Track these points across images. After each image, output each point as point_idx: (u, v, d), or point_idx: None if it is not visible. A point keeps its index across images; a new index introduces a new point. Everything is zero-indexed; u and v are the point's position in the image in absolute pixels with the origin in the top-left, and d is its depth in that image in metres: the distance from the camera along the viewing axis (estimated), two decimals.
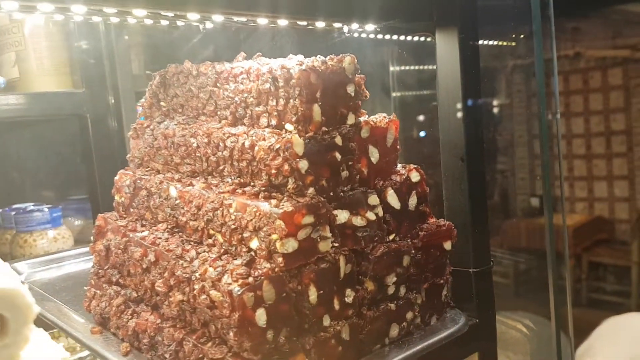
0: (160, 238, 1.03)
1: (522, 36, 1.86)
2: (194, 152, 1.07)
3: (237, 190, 0.96)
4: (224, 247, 0.94)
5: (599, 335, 2.08)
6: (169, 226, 1.07)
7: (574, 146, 4.95)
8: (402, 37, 1.49)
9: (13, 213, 2.03)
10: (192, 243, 1.00)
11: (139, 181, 1.15)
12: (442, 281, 1.14)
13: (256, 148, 0.93)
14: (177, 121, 1.14)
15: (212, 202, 0.97)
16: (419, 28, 1.27)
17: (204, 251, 0.95)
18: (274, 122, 0.95)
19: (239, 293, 0.81)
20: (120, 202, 1.20)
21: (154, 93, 1.24)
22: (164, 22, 1.12)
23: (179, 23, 1.15)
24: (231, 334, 0.81)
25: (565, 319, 1.60)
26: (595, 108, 4.79)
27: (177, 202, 1.05)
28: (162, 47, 2.51)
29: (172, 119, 1.19)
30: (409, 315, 1.07)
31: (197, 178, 1.07)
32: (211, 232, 0.97)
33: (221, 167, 1.02)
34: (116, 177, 1.22)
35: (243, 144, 0.95)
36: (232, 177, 1.00)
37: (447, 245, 1.13)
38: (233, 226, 0.92)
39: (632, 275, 4.24)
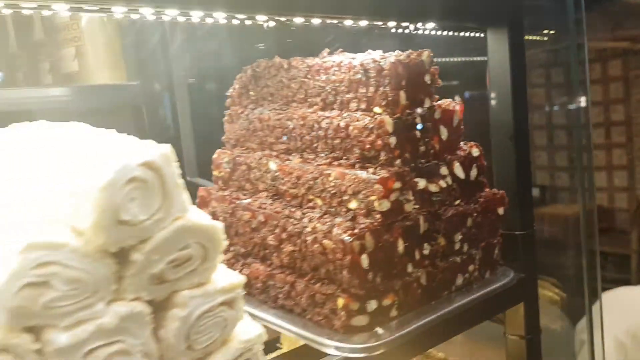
0: (264, 203, 1.23)
1: (550, 31, 2.03)
2: (290, 132, 1.27)
3: (333, 163, 1.16)
4: (323, 209, 1.14)
5: (596, 309, 2.22)
6: (270, 194, 1.27)
7: (575, 137, 5.05)
8: (453, 33, 1.68)
9: None
10: (294, 207, 1.20)
11: (238, 158, 1.36)
12: (495, 241, 1.34)
13: (350, 127, 1.13)
14: (270, 108, 1.34)
15: (312, 172, 1.17)
16: (471, 26, 1.45)
17: (307, 212, 1.15)
18: (363, 106, 1.15)
19: (350, 241, 1.01)
20: (220, 176, 1.41)
21: (243, 84, 1.44)
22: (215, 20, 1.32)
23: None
24: (344, 272, 1.02)
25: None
26: (595, 99, 4.88)
27: (276, 174, 1.25)
28: (210, 43, 2.70)
29: (261, 106, 1.39)
30: (471, 267, 1.27)
31: (292, 155, 1.27)
32: (310, 197, 1.17)
33: (315, 145, 1.22)
34: (214, 156, 1.43)
35: (338, 124, 1.15)
36: (326, 153, 1.20)
37: (500, 210, 1.32)
38: (333, 191, 1.12)
39: (631, 263, 4.34)
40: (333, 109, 1.21)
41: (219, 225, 0.78)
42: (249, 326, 0.87)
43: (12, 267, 0.62)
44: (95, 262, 0.69)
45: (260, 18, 1.25)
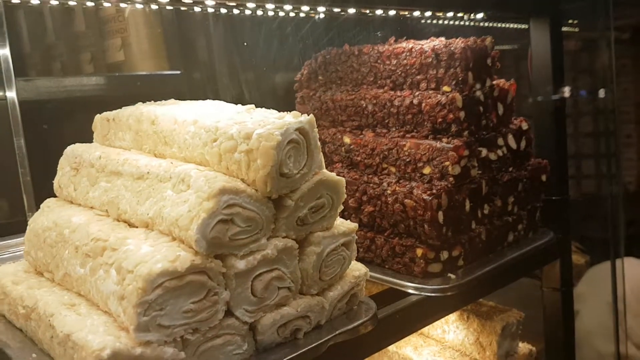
0: (342, 172, 1.41)
1: (575, 21, 2.20)
2: (362, 110, 1.44)
3: (406, 135, 1.33)
4: (397, 175, 1.32)
5: (585, 282, 2.37)
6: (345, 165, 1.44)
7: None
8: (497, 24, 1.85)
9: None
10: (369, 174, 1.37)
11: None
12: (538, 204, 1.52)
13: (423, 104, 1.30)
14: (342, 90, 1.51)
15: (386, 144, 1.34)
16: (515, 16, 1.63)
17: (384, 178, 1.33)
18: (432, 86, 1.32)
19: (430, 199, 1.19)
20: None
21: (312, 69, 1.61)
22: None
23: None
24: (425, 226, 1.19)
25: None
26: (585, 88, 4.95)
27: (351, 147, 1.42)
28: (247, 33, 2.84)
29: (330, 89, 1.56)
30: (519, 227, 1.45)
31: (364, 130, 1.44)
32: (385, 166, 1.35)
33: (386, 121, 1.39)
34: None
35: (411, 101, 1.32)
36: (397, 127, 1.37)
37: (544, 177, 1.50)
38: (407, 160, 1.29)
39: None
40: (403, 89, 1.39)
41: (343, 181, 0.96)
42: (358, 266, 1.05)
43: (210, 206, 0.80)
44: (262, 205, 0.86)
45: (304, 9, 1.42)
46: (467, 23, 2.06)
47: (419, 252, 1.23)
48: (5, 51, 1.78)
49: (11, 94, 1.82)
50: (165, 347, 0.77)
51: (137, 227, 0.92)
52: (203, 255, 0.80)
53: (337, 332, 0.96)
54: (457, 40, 1.32)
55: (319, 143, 0.92)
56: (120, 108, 1.13)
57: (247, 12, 1.57)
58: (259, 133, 0.85)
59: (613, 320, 2.04)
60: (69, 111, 2.43)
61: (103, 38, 2.56)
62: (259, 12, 1.61)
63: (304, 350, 0.91)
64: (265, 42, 2.85)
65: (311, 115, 0.90)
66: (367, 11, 1.51)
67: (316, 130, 0.91)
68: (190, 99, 2.47)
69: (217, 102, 1.09)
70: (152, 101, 1.17)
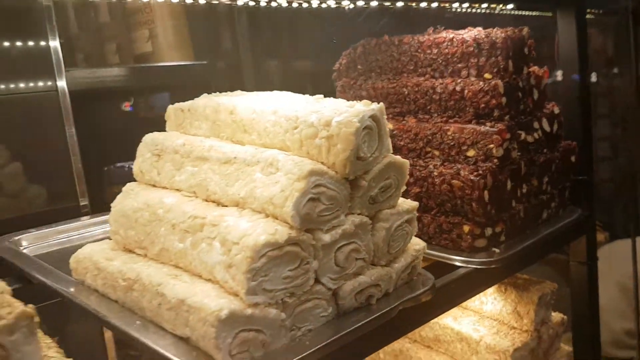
0: None
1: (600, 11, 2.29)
2: (404, 98, 1.53)
3: (449, 121, 1.43)
4: (441, 158, 1.42)
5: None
6: None
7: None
8: (524, 13, 1.94)
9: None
10: (413, 158, 1.47)
11: None
12: (567, 184, 1.63)
13: (465, 91, 1.40)
14: (382, 78, 1.61)
15: (430, 129, 1.44)
16: (542, 7, 1.72)
17: (429, 161, 1.43)
18: (473, 73, 1.42)
19: (477, 180, 1.29)
20: None
21: (351, 59, 1.70)
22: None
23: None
24: (473, 204, 1.30)
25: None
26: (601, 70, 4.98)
27: (394, 132, 1.52)
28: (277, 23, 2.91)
29: (370, 77, 1.66)
30: (552, 205, 1.56)
31: (405, 116, 1.54)
32: (428, 149, 1.45)
33: (428, 107, 1.49)
34: None
35: (454, 88, 1.42)
36: (439, 113, 1.47)
37: (573, 158, 1.61)
38: (451, 143, 1.40)
39: None
40: (444, 76, 1.48)
41: (408, 163, 1.06)
42: (416, 240, 1.16)
43: (301, 186, 0.90)
44: (341, 185, 0.96)
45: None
46: (488, 11, 2.15)
47: (466, 228, 1.34)
48: (56, 43, 1.87)
49: (62, 84, 1.91)
50: (269, 308, 0.88)
51: (226, 206, 1.02)
52: (297, 229, 0.91)
53: (404, 299, 1.07)
54: (496, 30, 1.41)
55: (387, 128, 1.02)
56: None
57: (274, 4, 1.64)
58: (338, 120, 0.95)
59: (634, 297, 2.15)
60: (109, 100, 2.52)
61: (129, 30, 2.65)
62: (284, 4, 1.69)
63: (377, 314, 1.02)
64: (289, 32, 2.93)
65: (381, 103, 1.00)
66: (388, 3, 1.60)
67: (385, 116, 1.01)
68: (216, 89, 2.57)
69: (284, 92, 1.18)
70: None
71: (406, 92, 1.53)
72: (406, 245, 1.12)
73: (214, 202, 1.05)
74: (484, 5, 1.76)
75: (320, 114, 0.98)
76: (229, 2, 2.02)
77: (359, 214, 1.01)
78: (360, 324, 0.98)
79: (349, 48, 1.72)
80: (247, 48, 2.83)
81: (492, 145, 1.32)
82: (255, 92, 1.24)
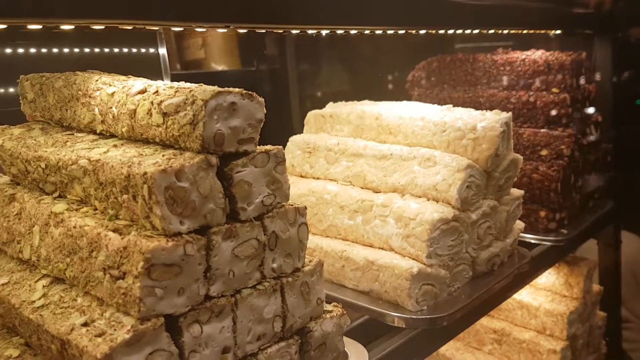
0: None
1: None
2: (480, 106, 1.78)
3: (523, 126, 1.69)
4: None
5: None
6: None
7: None
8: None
9: None
10: None
11: None
12: (605, 179, 1.91)
13: (538, 102, 1.66)
14: (458, 90, 1.86)
15: None
16: (584, 32, 2.00)
17: None
18: (543, 87, 1.68)
19: (554, 174, 1.55)
20: None
21: (425, 71, 1.95)
22: None
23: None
24: (551, 194, 1.56)
25: None
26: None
27: None
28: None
29: (444, 88, 1.90)
30: (596, 195, 1.84)
31: None
32: None
33: None
34: None
35: (527, 99, 1.68)
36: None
37: (609, 158, 1.89)
38: (527, 144, 1.65)
39: None
40: (515, 90, 1.74)
41: (522, 158, 1.31)
42: (518, 221, 1.41)
43: (462, 176, 1.14)
44: (482, 176, 1.21)
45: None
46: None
47: (542, 213, 1.60)
48: (163, 50, 2.06)
49: None
50: (440, 269, 1.12)
51: (382, 192, 1.25)
52: (458, 209, 1.15)
53: (517, 266, 1.32)
54: (557, 52, 1.68)
55: (511, 132, 1.27)
56: None
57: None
58: (483, 125, 1.19)
59: None
60: None
61: (183, 37, 2.82)
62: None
63: (501, 278, 1.27)
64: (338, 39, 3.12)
65: (510, 112, 1.25)
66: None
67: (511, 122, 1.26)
68: (261, 94, 2.78)
69: (414, 102, 1.42)
70: None
71: (482, 102, 1.78)
72: (513, 225, 1.37)
73: (370, 189, 1.28)
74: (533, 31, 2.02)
75: (464, 121, 1.22)
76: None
77: (491, 199, 1.26)
78: (494, 283, 1.23)
79: (420, 62, 1.96)
80: (292, 56, 3.02)
81: (563, 147, 1.59)
82: (384, 102, 1.47)
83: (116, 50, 1.97)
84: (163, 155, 0.74)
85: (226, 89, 0.77)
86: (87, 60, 1.72)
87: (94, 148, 0.81)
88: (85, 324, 0.70)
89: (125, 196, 0.73)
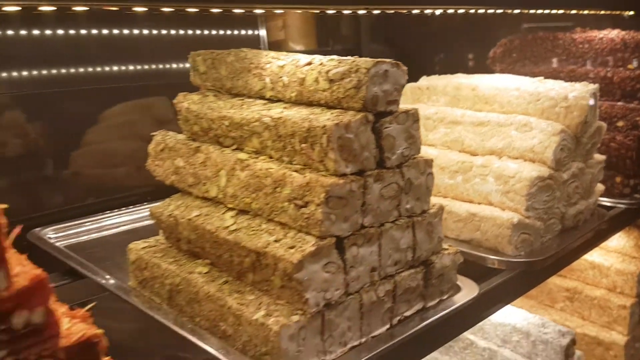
0: None
1: None
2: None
3: (601, 98, 1.80)
4: None
5: None
6: None
7: None
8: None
9: None
10: None
11: None
12: None
13: (615, 77, 1.77)
14: (537, 65, 1.98)
15: None
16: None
17: None
18: (619, 63, 1.78)
19: (631, 143, 1.67)
20: None
21: (507, 48, 2.07)
22: None
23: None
24: (627, 161, 1.68)
25: None
26: None
27: None
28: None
29: (525, 64, 2.03)
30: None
31: None
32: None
33: None
34: None
35: (605, 75, 1.79)
36: None
37: None
38: (604, 116, 1.77)
39: None
40: (593, 65, 1.85)
41: (605, 125, 1.44)
42: (598, 184, 1.54)
43: (557, 139, 1.28)
44: (572, 140, 1.35)
45: None
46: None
47: (618, 179, 1.72)
48: (263, 32, 2.26)
49: None
50: (535, 221, 1.28)
51: (479, 155, 1.41)
52: (553, 169, 1.30)
53: (598, 223, 1.46)
54: (632, 31, 1.78)
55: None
56: None
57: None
58: (574, 95, 1.33)
59: None
60: None
61: (266, 19, 2.99)
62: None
63: (585, 232, 1.41)
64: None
65: (597, 84, 1.38)
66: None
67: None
68: None
69: (505, 75, 1.56)
70: None
71: (562, 77, 1.90)
72: (596, 186, 1.50)
73: (468, 152, 1.44)
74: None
75: (556, 91, 1.36)
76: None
77: (579, 162, 1.40)
78: (579, 236, 1.38)
79: (502, 39, 2.09)
80: (366, 35, 3.15)
81: (638, 118, 1.70)
82: (477, 74, 1.62)
83: (221, 32, 2.18)
84: (332, 114, 0.93)
85: (381, 59, 0.94)
86: (188, 41, 1.92)
87: (270, 109, 1.01)
88: (276, 240, 0.91)
89: (304, 145, 0.92)
